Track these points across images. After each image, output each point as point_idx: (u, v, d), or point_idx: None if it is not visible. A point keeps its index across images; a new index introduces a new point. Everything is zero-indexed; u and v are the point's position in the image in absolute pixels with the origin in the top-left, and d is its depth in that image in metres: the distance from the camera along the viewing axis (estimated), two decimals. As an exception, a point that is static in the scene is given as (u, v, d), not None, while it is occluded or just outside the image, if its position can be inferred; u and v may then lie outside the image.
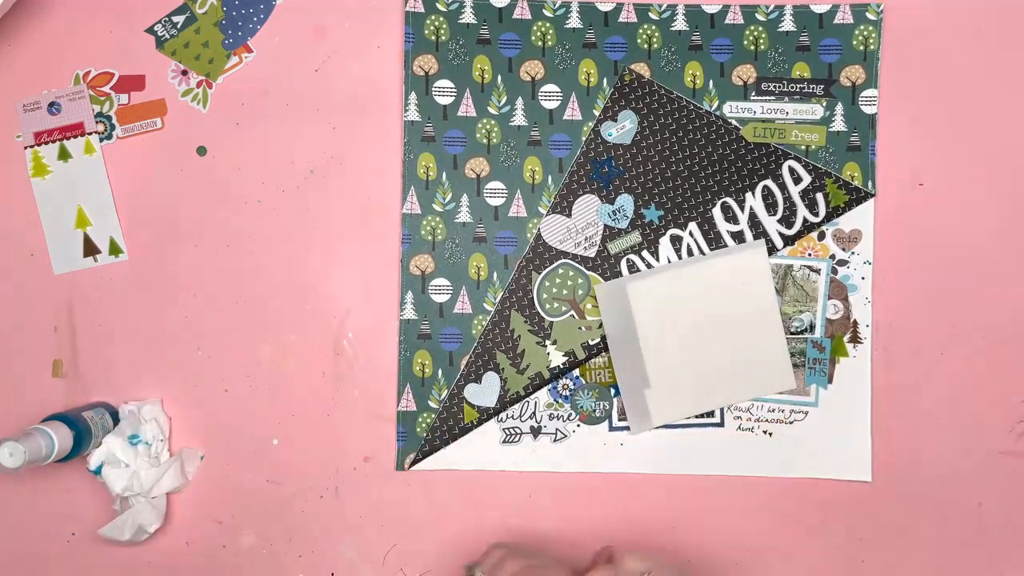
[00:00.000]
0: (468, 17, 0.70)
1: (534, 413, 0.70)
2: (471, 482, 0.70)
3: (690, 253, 0.70)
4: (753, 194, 0.70)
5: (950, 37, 0.70)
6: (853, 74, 0.69)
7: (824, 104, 0.70)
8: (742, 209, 0.70)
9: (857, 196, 0.70)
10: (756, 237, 0.70)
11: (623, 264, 0.70)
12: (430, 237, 0.70)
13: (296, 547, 0.70)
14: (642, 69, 0.70)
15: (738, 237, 0.70)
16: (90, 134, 0.70)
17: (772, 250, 0.70)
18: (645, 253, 0.70)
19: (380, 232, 0.70)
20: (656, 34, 0.70)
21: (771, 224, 0.70)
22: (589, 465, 0.70)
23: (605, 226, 0.70)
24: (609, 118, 0.70)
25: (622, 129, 0.70)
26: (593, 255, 0.70)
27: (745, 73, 0.70)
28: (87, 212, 0.70)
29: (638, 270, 0.70)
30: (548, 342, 0.70)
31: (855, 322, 0.70)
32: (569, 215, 0.70)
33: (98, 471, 0.66)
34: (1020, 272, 0.70)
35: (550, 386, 0.70)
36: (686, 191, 0.70)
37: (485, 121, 0.70)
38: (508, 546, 0.61)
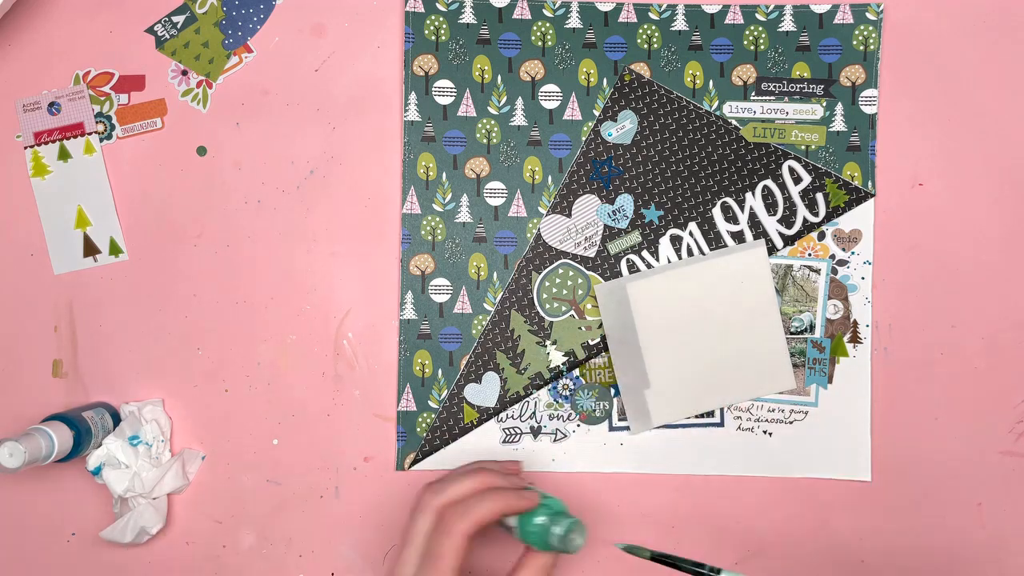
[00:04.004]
0: (468, 17, 0.70)
1: (534, 413, 0.70)
2: (471, 482, 0.70)
3: (690, 253, 0.70)
4: (753, 194, 0.70)
5: (950, 37, 0.70)
6: (853, 74, 0.69)
7: (824, 104, 0.70)
8: (742, 209, 0.70)
9: (857, 196, 0.70)
10: (756, 237, 0.70)
11: (623, 264, 0.70)
12: (430, 237, 0.70)
13: (296, 547, 0.70)
14: (642, 69, 0.70)
15: (738, 237, 0.70)
16: (90, 134, 0.70)
17: (772, 250, 0.70)
18: (645, 253, 0.70)
19: (380, 232, 0.70)
20: (656, 34, 0.70)
21: (771, 224, 0.70)
22: (589, 465, 0.70)
23: (605, 226, 0.70)
24: (609, 118, 0.70)
25: (622, 129, 0.70)
26: (593, 255, 0.70)
27: (745, 73, 0.70)
28: (87, 212, 0.70)
29: (638, 270, 0.70)
30: (548, 342, 0.70)
31: (855, 322, 0.70)
32: (569, 215, 0.70)
33: (96, 472, 0.66)
34: (1020, 272, 0.70)
35: (550, 386, 0.70)
36: (686, 191, 0.70)
37: (485, 121, 0.70)
38: (435, 486, 0.60)
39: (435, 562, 0.55)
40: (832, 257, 0.70)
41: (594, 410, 0.70)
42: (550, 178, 0.70)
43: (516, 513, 0.58)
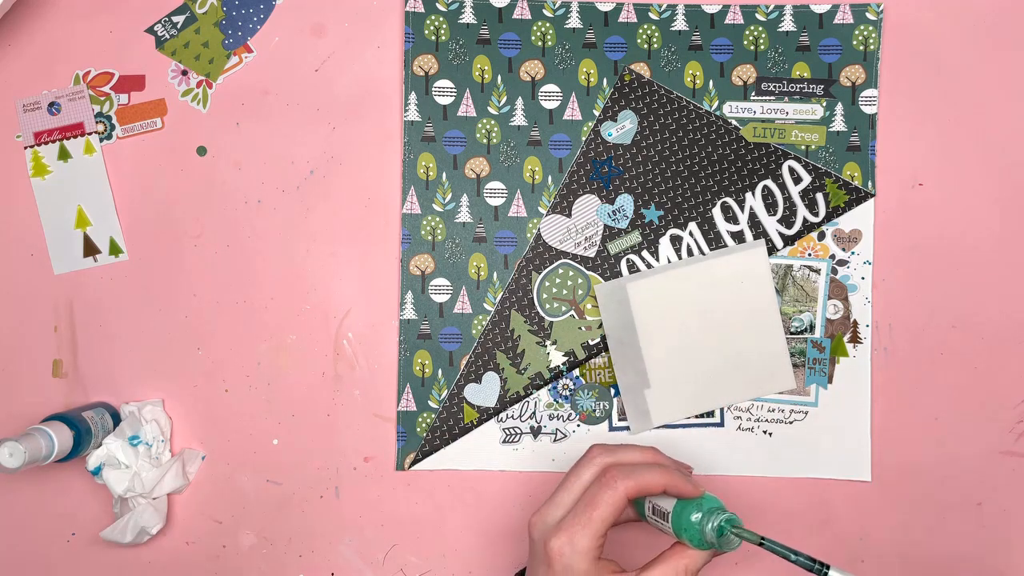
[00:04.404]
0: (468, 17, 0.70)
1: (534, 413, 0.70)
2: (471, 482, 0.70)
3: (690, 253, 0.70)
4: (753, 194, 0.70)
5: (950, 37, 0.70)
6: (853, 74, 0.69)
7: (824, 104, 0.70)
8: (742, 209, 0.70)
9: (857, 196, 0.70)
10: (756, 237, 0.70)
11: (623, 264, 0.70)
12: (430, 237, 0.70)
13: (296, 547, 0.70)
14: (642, 69, 0.70)
15: (738, 237, 0.70)
16: (90, 134, 0.70)
17: (772, 250, 0.70)
18: (645, 253, 0.70)
19: (380, 232, 0.70)
20: (656, 34, 0.70)
21: (771, 224, 0.70)
22: (589, 465, 0.70)
23: (605, 226, 0.70)
24: (609, 118, 0.70)
25: (622, 129, 0.70)
26: (593, 255, 0.70)
27: (745, 73, 0.70)
28: (87, 212, 0.70)
29: (638, 270, 0.70)
30: (548, 342, 0.70)
31: (855, 322, 0.70)
32: (569, 215, 0.70)
33: (96, 472, 0.66)
34: (1020, 272, 0.70)
35: (550, 386, 0.70)
36: (686, 191, 0.70)
37: (485, 121, 0.70)
38: (607, 447, 0.60)
39: (588, 510, 0.55)
40: (832, 257, 0.70)
41: (594, 410, 0.70)
42: (550, 178, 0.70)
43: (679, 495, 0.56)
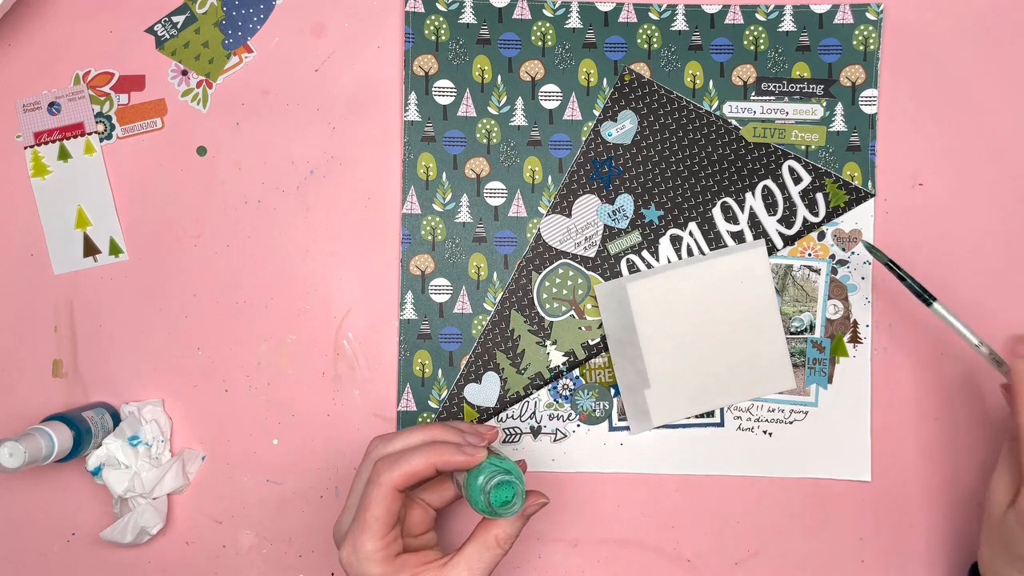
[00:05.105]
0: (468, 17, 0.70)
1: (534, 413, 0.70)
2: (471, 482, 0.70)
3: (690, 253, 0.70)
4: (753, 194, 0.70)
5: (950, 37, 0.70)
6: (853, 74, 0.69)
7: (824, 104, 0.70)
8: (742, 209, 0.70)
9: (857, 196, 0.70)
10: (756, 237, 0.70)
11: (623, 264, 0.70)
12: (430, 237, 0.70)
13: (296, 547, 0.70)
14: (642, 69, 0.70)
15: (738, 237, 0.70)
16: (90, 134, 0.70)
17: (772, 250, 0.70)
18: (645, 253, 0.70)
19: (380, 232, 0.70)
20: (656, 34, 0.70)
21: (771, 224, 0.70)
22: (589, 465, 0.70)
23: (605, 226, 0.70)
24: (609, 118, 0.70)
25: (622, 129, 0.70)
26: (593, 255, 0.70)
27: (745, 73, 0.70)
28: (87, 212, 0.70)
29: (638, 270, 0.70)
30: (548, 342, 0.70)
31: (855, 322, 0.70)
32: (569, 215, 0.70)
33: (96, 472, 0.66)
34: (1021, 272, 0.70)
35: (550, 386, 0.70)
36: (686, 191, 0.70)
37: (485, 121, 0.70)
38: (384, 437, 0.59)
39: (363, 512, 0.55)
40: (832, 257, 0.70)
41: (594, 410, 0.70)
42: (550, 178, 0.70)
43: (452, 468, 0.55)
